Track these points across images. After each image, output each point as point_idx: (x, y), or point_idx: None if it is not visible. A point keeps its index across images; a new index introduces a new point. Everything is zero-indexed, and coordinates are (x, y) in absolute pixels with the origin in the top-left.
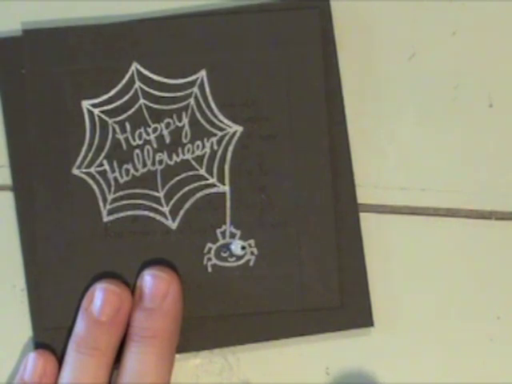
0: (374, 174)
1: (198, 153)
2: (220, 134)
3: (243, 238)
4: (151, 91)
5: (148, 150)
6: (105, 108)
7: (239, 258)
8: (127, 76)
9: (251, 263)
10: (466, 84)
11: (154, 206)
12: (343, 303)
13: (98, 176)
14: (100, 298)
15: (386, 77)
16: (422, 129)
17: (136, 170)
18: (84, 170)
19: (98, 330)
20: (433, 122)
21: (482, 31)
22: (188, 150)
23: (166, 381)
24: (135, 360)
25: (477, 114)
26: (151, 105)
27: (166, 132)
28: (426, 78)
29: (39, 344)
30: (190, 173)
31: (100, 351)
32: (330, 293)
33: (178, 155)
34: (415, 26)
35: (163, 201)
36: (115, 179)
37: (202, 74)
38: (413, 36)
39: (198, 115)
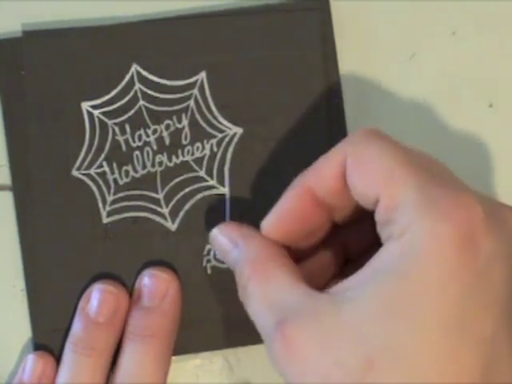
0: None
1: (198, 154)
2: (220, 135)
3: None
4: (151, 93)
5: (148, 152)
6: (104, 109)
7: None
8: (127, 77)
9: None
10: (466, 84)
11: (154, 207)
12: None
13: (97, 177)
14: (97, 298)
15: (386, 77)
16: (421, 129)
17: (136, 171)
18: (83, 172)
19: (95, 331)
20: (433, 122)
21: (482, 31)
22: (188, 152)
23: (162, 381)
24: (132, 360)
25: (477, 113)
26: (151, 106)
27: (165, 133)
28: (425, 78)
29: (38, 345)
30: (190, 174)
31: (97, 351)
32: None
33: (177, 157)
34: (415, 26)
35: (163, 202)
36: (115, 181)
37: (202, 75)
38: (413, 36)
39: (198, 117)
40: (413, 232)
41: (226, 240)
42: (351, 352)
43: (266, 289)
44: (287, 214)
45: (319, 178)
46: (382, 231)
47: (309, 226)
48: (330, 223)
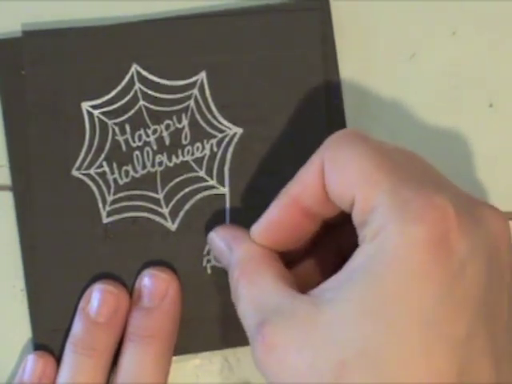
0: None
1: (198, 154)
2: (220, 135)
3: None
4: (151, 93)
5: (148, 152)
6: (104, 109)
7: None
8: (127, 77)
9: None
10: (466, 84)
11: (154, 207)
12: None
13: (97, 177)
14: (97, 298)
15: (386, 77)
16: (421, 129)
17: (136, 171)
18: (83, 172)
19: (96, 331)
20: (433, 122)
21: (482, 31)
22: (188, 152)
23: (162, 381)
24: (132, 360)
25: (477, 113)
26: (151, 106)
27: (165, 134)
28: (426, 78)
29: (38, 345)
30: (190, 174)
31: (97, 352)
32: None
33: (177, 157)
34: (415, 26)
35: (163, 202)
36: (115, 180)
37: (202, 75)
38: (413, 36)
39: (198, 117)
40: (386, 234)
41: (221, 243)
42: (325, 354)
43: (252, 291)
44: (274, 225)
45: (303, 188)
46: (359, 233)
47: (297, 234)
48: (322, 226)
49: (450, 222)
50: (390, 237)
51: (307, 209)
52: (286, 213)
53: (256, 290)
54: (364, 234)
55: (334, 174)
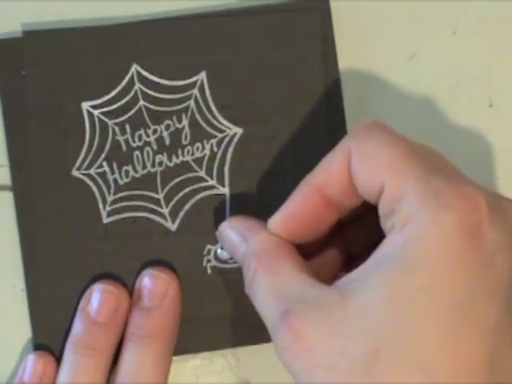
0: None
1: (198, 154)
2: (220, 135)
3: None
4: (151, 93)
5: (148, 152)
6: (105, 109)
7: None
8: (127, 77)
9: None
10: (466, 84)
11: (154, 207)
12: None
13: (97, 177)
14: (97, 298)
15: (386, 77)
16: (421, 129)
17: (136, 171)
18: (83, 172)
19: (96, 331)
20: (433, 121)
21: (482, 31)
22: (188, 152)
23: (162, 381)
24: (132, 360)
25: (477, 113)
26: (151, 106)
27: (165, 134)
28: (425, 78)
29: (38, 345)
30: (190, 174)
31: (97, 352)
32: None
33: (177, 157)
34: (415, 26)
35: (163, 202)
36: (115, 181)
37: (202, 75)
38: (413, 36)
39: (198, 117)
40: (416, 222)
41: (234, 234)
42: (357, 342)
43: (273, 280)
44: (294, 215)
45: (326, 176)
46: (385, 223)
47: (316, 225)
48: (335, 222)
49: (482, 212)
50: (421, 225)
51: (329, 197)
52: (308, 202)
53: (277, 279)
54: (392, 223)
55: (362, 162)
